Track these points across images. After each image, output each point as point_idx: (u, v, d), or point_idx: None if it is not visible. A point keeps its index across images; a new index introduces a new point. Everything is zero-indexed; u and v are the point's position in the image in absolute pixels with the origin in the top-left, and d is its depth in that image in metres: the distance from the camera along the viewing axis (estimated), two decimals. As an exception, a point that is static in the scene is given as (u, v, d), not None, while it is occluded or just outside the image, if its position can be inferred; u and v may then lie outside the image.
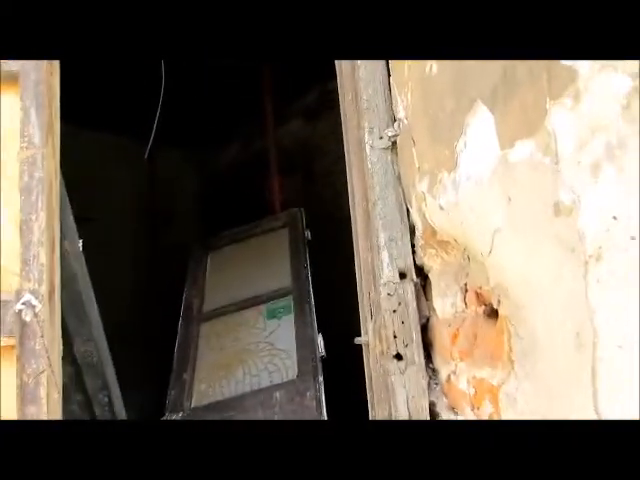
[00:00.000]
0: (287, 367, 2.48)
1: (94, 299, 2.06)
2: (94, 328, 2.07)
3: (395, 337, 1.25)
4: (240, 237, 3.23)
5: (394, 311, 1.25)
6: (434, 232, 1.18)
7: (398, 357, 1.25)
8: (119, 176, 5.58)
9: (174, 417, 2.47)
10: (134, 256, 5.03)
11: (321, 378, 2.36)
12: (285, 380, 2.43)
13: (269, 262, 3.01)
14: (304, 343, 2.51)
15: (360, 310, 1.38)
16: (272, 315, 2.74)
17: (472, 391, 1.06)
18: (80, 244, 1.90)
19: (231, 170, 6.27)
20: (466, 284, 1.15)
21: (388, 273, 1.26)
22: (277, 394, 2.36)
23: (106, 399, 2.22)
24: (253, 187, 5.94)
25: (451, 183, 1.03)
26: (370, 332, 1.30)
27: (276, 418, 2.29)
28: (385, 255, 1.27)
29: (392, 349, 1.24)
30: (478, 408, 1.05)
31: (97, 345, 2.09)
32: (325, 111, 5.56)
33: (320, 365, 2.41)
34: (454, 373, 1.14)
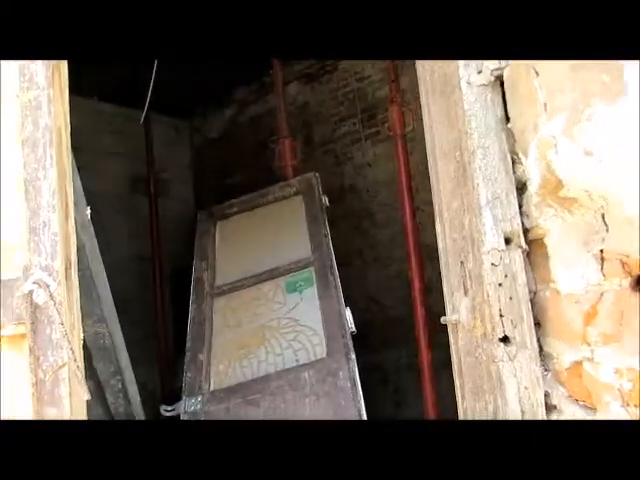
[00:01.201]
0: (314, 345, 2.24)
1: (105, 274, 1.78)
2: (105, 307, 1.79)
3: (501, 316, 1.00)
4: (250, 205, 2.94)
5: (500, 285, 1.00)
6: (559, 186, 0.93)
7: (505, 340, 1.01)
8: (112, 145, 5.24)
9: (192, 400, 2.22)
10: (131, 228, 4.73)
11: (353, 355, 2.13)
12: (313, 359, 2.19)
13: (285, 231, 2.73)
14: (331, 318, 2.27)
15: (444, 283, 1.13)
16: (292, 288, 2.48)
17: (626, 385, 0.83)
18: (88, 212, 1.61)
19: (225, 137, 5.92)
20: (602, 251, 0.91)
21: (492, 239, 1.00)
22: (306, 374, 2.12)
23: (119, 385, 1.96)
24: (250, 153, 5.61)
25: (608, 118, 0.78)
26: (464, 310, 1.06)
27: (307, 400, 2.06)
28: (488, 217, 1.01)
29: (498, 330, 0.99)
30: (636, 405, 0.82)
31: (109, 326, 1.81)
32: (325, 75, 5.23)
33: (351, 341, 2.18)
34: (590, 360, 0.90)
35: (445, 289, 1.13)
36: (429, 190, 4.15)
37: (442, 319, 1.12)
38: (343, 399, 2.01)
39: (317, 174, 2.93)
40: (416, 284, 2.79)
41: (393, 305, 4.96)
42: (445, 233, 1.11)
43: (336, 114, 5.18)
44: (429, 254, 4.10)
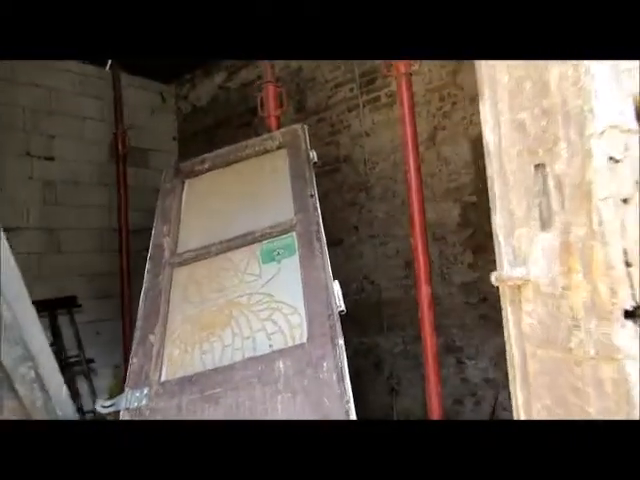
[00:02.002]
0: (293, 326, 1.73)
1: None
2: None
3: (629, 265, 0.48)
4: (225, 160, 2.41)
5: (625, 201, 0.48)
6: None
7: (636, 315, 0.48)
8: (94, 110, 4.77)
9: (137, 394, 1.70)
10: (110, 198, 4.26)
11: (341, 341, 1.62)
12: (291, 344, 1.67)
13: (264, 191, 2.21)
14: (315, 293, 1.75)
15: (495, 215, 0.61)
16: (269, 257, 1.96)
17: None
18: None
19: (213, 104, 5.37)
20: None
21: (608, 109, 0.48)
22: (280, 364, 1.61)
23: (32, 373, 1.45)
24: (240, 121, 5.07)
25: None
26: (541, 256, 0.53)
27: (280, 398, 1.55)
28: (601, 70, 0.48)
29: (622, 295, 0.47)
30: None
31: (6, 295, 1.30)
32: (320, 35, 4.67)
33: (339, 323, 1.67)
34: None
35: (496, 223, 0.60)
36: (434, 161, 3.57)
37: (493, 277, 0.59)
38: (327, 397, 1.50)
39: (305, 126, 2.40)
40: (420, 258, 2.26)
41: (389, 286, 4.46)
42: (500, 117, 0.58)
43: (332, 80, 4.63)
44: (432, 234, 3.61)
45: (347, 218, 4.45)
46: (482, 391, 3.91)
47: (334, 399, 1.49)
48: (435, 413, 2.08)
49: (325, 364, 1.56)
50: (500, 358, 3.92)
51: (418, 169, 2.27)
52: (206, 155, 2.45)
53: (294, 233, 1.97)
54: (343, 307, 1.71)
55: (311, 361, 1.58)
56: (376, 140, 4.30)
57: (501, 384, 3.87)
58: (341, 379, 1.52)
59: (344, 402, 1.48)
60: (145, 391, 1.70)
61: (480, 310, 3.87)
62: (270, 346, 1.70)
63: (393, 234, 4.31)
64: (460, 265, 3.83)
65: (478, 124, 3.07)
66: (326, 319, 1.67)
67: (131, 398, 1.70)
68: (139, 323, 1.91)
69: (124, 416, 1.66)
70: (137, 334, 1.88)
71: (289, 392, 1.55)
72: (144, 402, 1.67)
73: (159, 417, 1.62)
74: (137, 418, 1.65)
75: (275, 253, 1.96)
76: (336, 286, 1.76)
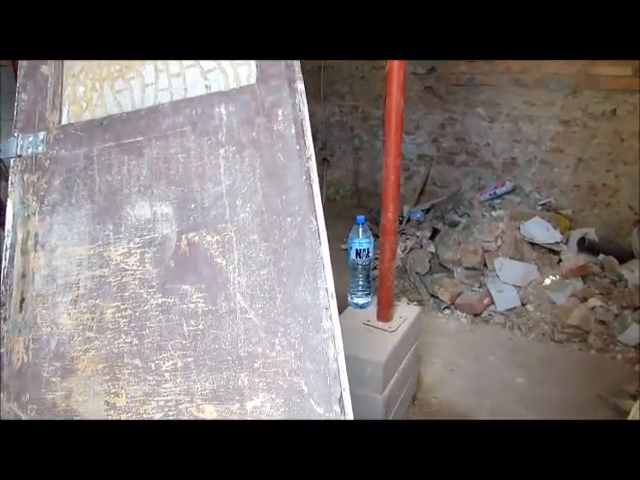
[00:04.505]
0: (236, 64, 1.28)
1: None
2: None
3: None
4: None
5: None
6: None
7: None
8: None
9: (30, 139, 1.27)
10: None
11: (301, 85, 1.22)
12: (235, 86, 1.26)
13: None
14: (267, 21, 1.27)
15: None
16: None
17: None
18: None
19: None
20: None
21: None
22: (222, 109, 1.22)
23: None
24: None
25: None
26: None
27: (222, 152, 1.19)
28: None
29: None
30: None
31: None
32: None
33: (298, 63, 1.25)
34: None
35: None
36: None
37: None
38: (282, 153, 1.17)
39: None
40: None
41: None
42: None
43: None
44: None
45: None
46: (415, 167, 3.80)
47: (292, 156, 1.16)
48: (390, 196, 1.94)
49: (280, 112, 1.18)
50: (437, 134, 3.73)
51: None
52: None
53: None
54: (304, 42, 1.27)
55: (262, 108, 1.19)
56: None
57: (435, 159, 3.76)
58: (301, 133, 1.17)
59: (304, 160, 1.15)
60: (41, 136, 1.27)
61: (426, 82, 3.51)
62: (206, 87, 1.27)
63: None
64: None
65: None
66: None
67: (23, 143, 1.27)
68: (23, 47, 1.36)
69: (16, 165, 1.26)
70: (22, 63, 1.36)
71: (233, 145, 1.19)
72: (40, 149, 1.26)
73: (63, 168, 1.23)
74: (34, 168, 1.25)
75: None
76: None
